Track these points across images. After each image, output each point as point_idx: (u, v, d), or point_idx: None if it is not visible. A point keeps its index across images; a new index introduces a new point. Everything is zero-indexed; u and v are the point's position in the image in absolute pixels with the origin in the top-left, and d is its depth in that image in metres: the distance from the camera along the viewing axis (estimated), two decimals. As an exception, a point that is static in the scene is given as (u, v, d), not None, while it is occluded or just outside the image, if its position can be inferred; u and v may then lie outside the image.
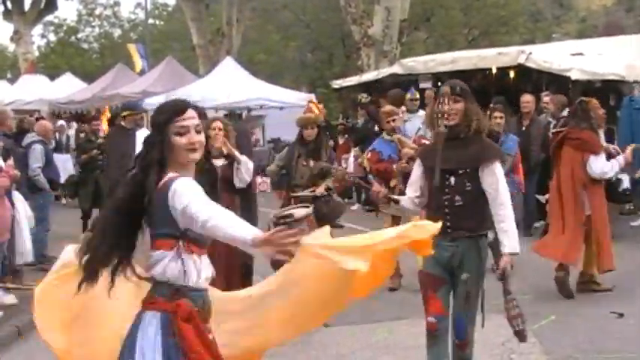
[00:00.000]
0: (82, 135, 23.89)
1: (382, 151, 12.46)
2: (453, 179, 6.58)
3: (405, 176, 11.02)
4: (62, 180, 23.77)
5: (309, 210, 10.55)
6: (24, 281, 13.59)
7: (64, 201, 24.52)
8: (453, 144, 6.64)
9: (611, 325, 10.76)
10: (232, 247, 10.53)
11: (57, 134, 26.60)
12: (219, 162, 11.12)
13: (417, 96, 18.60)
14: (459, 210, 6.51)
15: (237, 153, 11.09)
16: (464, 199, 6.57)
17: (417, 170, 7.06)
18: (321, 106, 20.68)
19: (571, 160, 11.79)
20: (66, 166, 24.32)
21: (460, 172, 6.58)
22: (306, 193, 11.50)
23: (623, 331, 10.53)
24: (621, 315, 11.00)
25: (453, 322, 6.74)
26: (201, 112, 13.13)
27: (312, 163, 11.86)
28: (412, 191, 7.02)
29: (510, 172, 12.76)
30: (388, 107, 13.42)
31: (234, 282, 10.80)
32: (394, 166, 12.08)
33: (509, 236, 6.58)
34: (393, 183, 12.04)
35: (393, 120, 12.63)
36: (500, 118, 13.03)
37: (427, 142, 11.72)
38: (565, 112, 15.04)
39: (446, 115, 6.61)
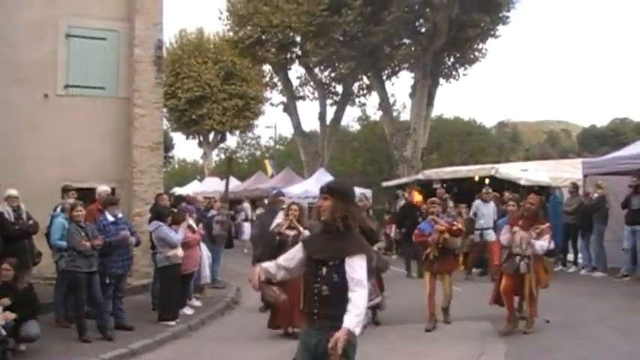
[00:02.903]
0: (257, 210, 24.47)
1: (425, 229, 10.84)
2: (324, 270, 4.70)
3: (438, 245, 10.59)
4: (245, 237, 24.73)
5: None
6: (204, 293, 13.94)
7: (245, 250, 23.81)
8: (329, 237, 4.82)
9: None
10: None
11: (243, 211, 27.43)
12: (291, 232, 10.48)
13: (490, 190, 17.68)
14: (326, 299, 4.63)
15: (301, 228, 10.44)
16: (330, 290, 4.64)
17: (298, 251, 4.99)
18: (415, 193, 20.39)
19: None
20: (247, 230, 24.99)
21: (330, 263, 4.69)
22: None
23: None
24: (548, 321, 10.21)
25: None
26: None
27: None
28: (283, 261, 5.02)
29: None
30: (432, 199, 11.95)
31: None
32: (429, 239, 10.63)
33: (349, 315, 4.48)
34: (428, 250, 10.72)
35: (434, 207, 11.06)
36: (513, 206, 10.99)
37: (458, 225, 11.04)
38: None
39: (320, 211, 4.90)
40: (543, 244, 9.80)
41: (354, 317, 4.47)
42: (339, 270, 4.67)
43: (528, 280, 9.85)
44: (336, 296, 4.63)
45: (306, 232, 10.06)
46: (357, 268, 4.65)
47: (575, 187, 17.33)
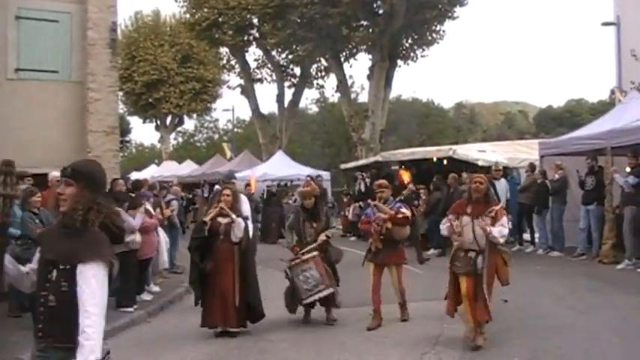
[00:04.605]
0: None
1: (371, 215, 9.63)
2: (54, 274, 3.56)
3: (380, 235, 9.44)
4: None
5: (315, 253, 9.74)
6: (162, 278, 13.89)
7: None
8: (66, 233, 3.65)
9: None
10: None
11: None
12: (224, 220, 9.31)
13: (501, 167, 17.25)
14: (52, 313, 3.53)
15: (233, 215, 9.25)
16: (57, 301, 3.51)
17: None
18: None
19: None
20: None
21: (61, 267, 3.54)
22: (313, 245, 9.76)
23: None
24: (506, 301, 10.11)
25: None
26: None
27: (314, 224, 9.90)
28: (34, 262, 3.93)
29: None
30: (379, 181, 10.34)
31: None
32: (371, 229, 9.50)
33: (82, 351, 3.30)
34: (370, 241, 9.70)
35: (382, 191, 9.72)
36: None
37: (405, 213, 9.59)
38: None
39: (60, 199, 3.74)
40: (503, 229, 8.04)
41: (88, 353, 3.34)
42: (71, 277, 3.52)
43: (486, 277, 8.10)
44: (64, 310, 3.52)
45: (240, 220, 9.30)
46: (89, 279, 3.48)
47: (532, 167, 17.53)
